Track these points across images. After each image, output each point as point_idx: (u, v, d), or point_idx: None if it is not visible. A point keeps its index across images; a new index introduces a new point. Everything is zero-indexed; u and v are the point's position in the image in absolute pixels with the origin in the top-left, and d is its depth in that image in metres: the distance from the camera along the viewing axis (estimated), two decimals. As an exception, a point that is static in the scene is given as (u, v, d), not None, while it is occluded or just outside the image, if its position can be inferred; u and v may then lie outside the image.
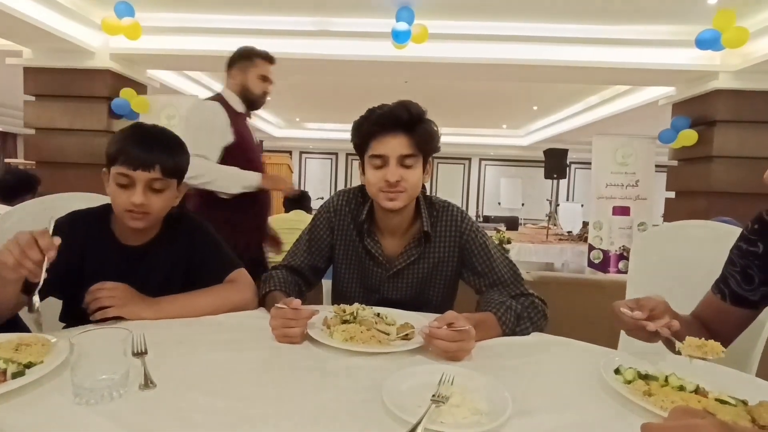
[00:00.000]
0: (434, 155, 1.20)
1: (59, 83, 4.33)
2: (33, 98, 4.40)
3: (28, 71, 4.31)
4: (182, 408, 0.64)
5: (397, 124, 1.10)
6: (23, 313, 1.01)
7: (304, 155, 11.84)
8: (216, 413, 0.63)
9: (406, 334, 0.92)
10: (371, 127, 1.12)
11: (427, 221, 1.21)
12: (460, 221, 1.23)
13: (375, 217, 1.24)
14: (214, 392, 0.69)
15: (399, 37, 3.64)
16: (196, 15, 4.15)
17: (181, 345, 0.88)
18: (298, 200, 3.12)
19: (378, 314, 1.01)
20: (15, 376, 0.65)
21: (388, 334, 0.92)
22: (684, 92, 4.39)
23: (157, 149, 1.05)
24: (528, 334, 1.05)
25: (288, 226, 2.58)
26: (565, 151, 6.76)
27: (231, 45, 4.26)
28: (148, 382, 0.69)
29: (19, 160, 8.26)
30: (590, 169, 4.85)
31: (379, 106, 1.14)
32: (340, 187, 11.84)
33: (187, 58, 4.43)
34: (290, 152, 11.03)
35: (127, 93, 4.32)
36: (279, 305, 0.93)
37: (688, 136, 4.09)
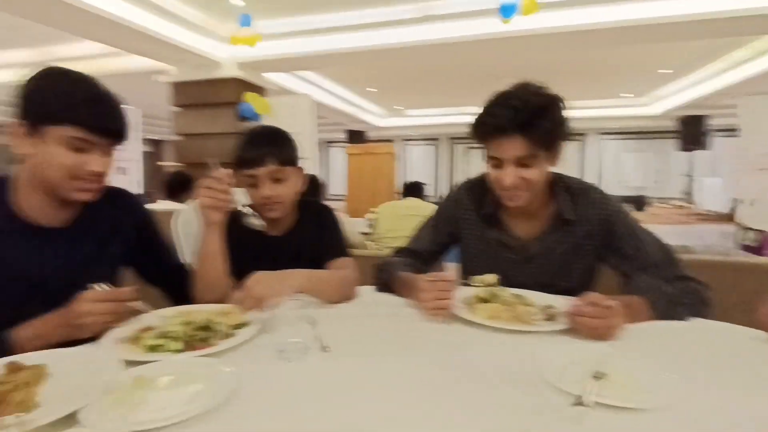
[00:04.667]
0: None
1: (198, 94, 4.96)
2: (180, 109, 5.11)
3: (176, 86, 5.01)
4: (354, 369, 0.74)
5: (509, 126, 1.01)
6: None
7: (406, 143, 11.98)
8: (383, 375, 0.72)
9: (551, 315, 0.91)
10: (482, 129, 1.08)
11: (565, 206, 1.15)
12: (600, 203, 1.16)
13: (503, 207, 1.20)
14: (375, 358, 0.78)
15: (506, 11, 3.48)
16: (303, 18, 4.44)
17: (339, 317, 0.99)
18: (412, 188, 3.18)
19: (516, 295, 1.00)
20: (227, 336, 0.82)
21: (532, 315, 0.91)
22: None
23: (266, 145, 1.17)
24: (684, 319, 0.96)
25: (403, 213, 2.66)
26: (703, 118, 5.87)
27: (336, 43, 4.51)
28: (324, 347, 0.80)
29: (170, 163, 9.73)
30: (736, 137, 4.15)
31: (494, 101, 1.06)
32: (443, 173, 11.77)
33: (298, 59, 4.78)
34: (392, 140, 11.23)
35: (250, 97, 4.80)
36: (429, 278, 0.97)
37: None
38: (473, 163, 11.32)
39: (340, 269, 1.18)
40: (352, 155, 7.42)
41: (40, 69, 0.90)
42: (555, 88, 1.07)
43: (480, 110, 1.09)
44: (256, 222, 1.14)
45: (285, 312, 0.83)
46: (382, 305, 1.10)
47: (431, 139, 11.78)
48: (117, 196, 1.09)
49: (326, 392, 0.66)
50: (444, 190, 11.52)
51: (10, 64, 5.71)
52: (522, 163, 1.05)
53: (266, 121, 4.80)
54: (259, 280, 0.93)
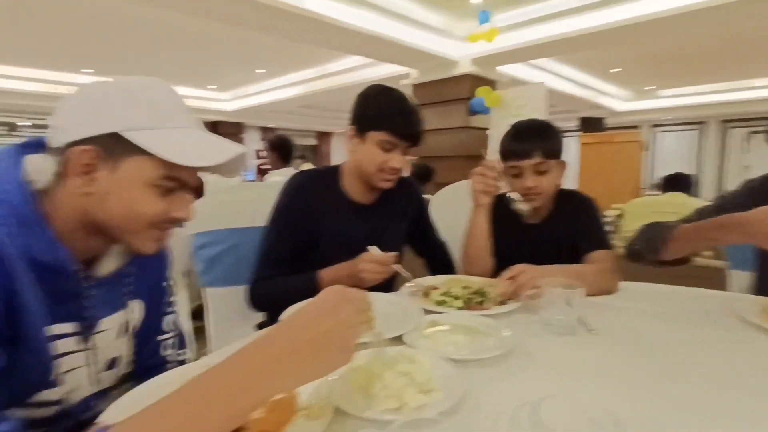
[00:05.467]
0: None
1: (433, 93, 5.40)
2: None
3: (416, 87, 5.59)
4: (619, 354, 0.75)
5: None
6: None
7: (655, 129, 10.18)
8: (648, 365, 0.70)
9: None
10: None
11: None
12: None
13: None
14: (643, 347, 0.77)
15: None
16: (540, 4, 4.28)
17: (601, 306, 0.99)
18: (674, 181, 2.70)
19: None
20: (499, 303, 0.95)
21: None
22: None
23: (533, 138, 1.20)
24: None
25: (659, 210, 2.29)
26: None
27: (577, 25, 4.19)
28: (590, 329, 0.82)
29: (411, 157, 10.96)
30: None
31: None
32: (709, 163, 9.55)
33: (532, 48, 4.66)
34: (637, 127, 9.70)
35: (482, 91, 4.94)
36: None
37: None
38: (755, 154, 8.80)
39: (599, 262, 1.16)
40: (586, 145, 6.72)
41: (369, 86, 1.19)
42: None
43: None
44: (523, 207, 1.23)
45: (547, 292, 0.87)
46: (645, 302, 1.04)
47: (693, 123, 9.65)
48: (405, 184, 1.32)
49: (590, 369, 0.69)
50: (711, 187, 9.31)
51: (299, 82, 7.47)
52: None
53: (496, 113, 4.87)
54: (524, 270, 0.99)
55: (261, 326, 1.23)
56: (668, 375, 0.67)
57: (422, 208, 1.41)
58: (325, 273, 1.11)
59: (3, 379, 0.45)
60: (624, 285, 1.14)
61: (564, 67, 6.71)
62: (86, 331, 0.64)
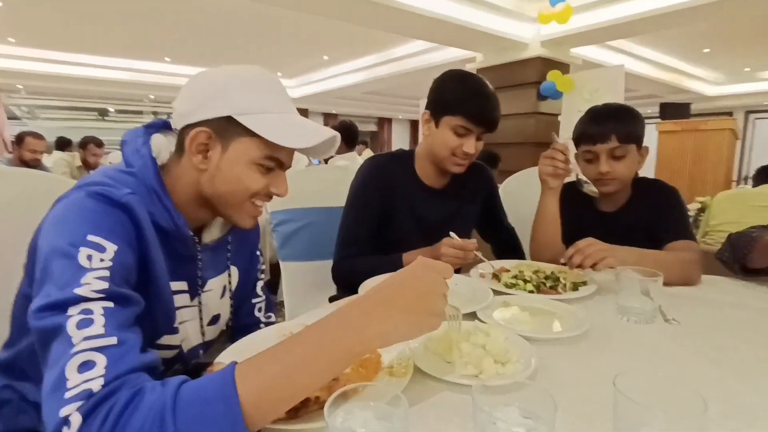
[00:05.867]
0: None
1: (500, 77, 5.23)
2: (483, 93, 5.54)
3: (481, 71, 5.45)
4: (698, 347, 0.72)
5: None
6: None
7: (752, 116, 9.15)
8: (727, 359, 0.67)
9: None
10: None
11: None
12: None
13: None
14: (721, 341, 0.73)
15: None
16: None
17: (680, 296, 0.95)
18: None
19: None
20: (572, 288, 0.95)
21: None
22: None
23: (609, 122, 1.15)
24: None
25: (752, 203, 2.09)
26: None
27: (660, 1, 3.86)
28: (669, 319, 0.81)
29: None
30: None
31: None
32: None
33: (610, 28, 4.36)
34: (731, 113, 8.77)
35: (553, 75, 4.71)
36: None
37: None
38: None
39: (680, 251, 1.11)
40: (664, 133, 6.15)
41: (446, 71, 1.20)
42: None
43: None
44: (593, 189, 1.21)
45: (624, 279, 0.85)
46: (730, 295, 0.99)
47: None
48: (477, 169, 1.32)
49: (669, 355, 0.69)
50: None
51: (362, 68, 7.55)
52: None
53: (567, 98, 4.64)
54: (591, 242, 0.98)
55: (332, 299, 1.31)
56: (752, 365, 0.65)
57: (493, 192, 1.41)
58: (409, 255, 1.14)
59: (141, 320, 0.54)
60: (707, 278, 1.09)
61: (645, 48, 6.21)
62: (196, 289, 0.73)
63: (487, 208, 1.39)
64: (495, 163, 3.41)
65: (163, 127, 0.72)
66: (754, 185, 2.61)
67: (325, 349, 0.46)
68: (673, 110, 7.55)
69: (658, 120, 7.52)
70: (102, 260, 0.51)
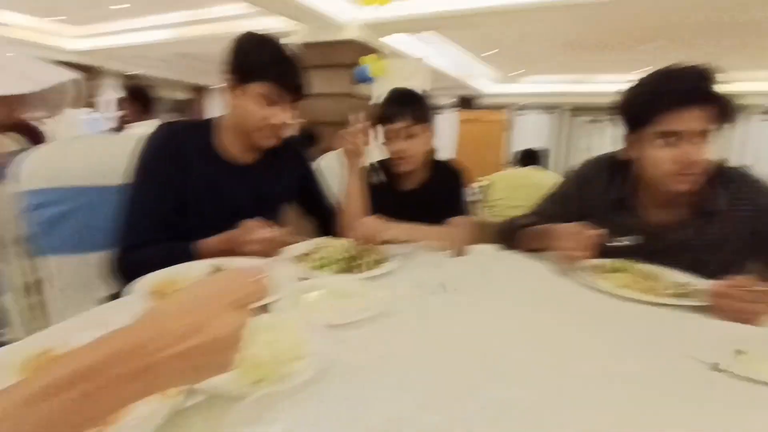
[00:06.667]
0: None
1: (320, 55, 5.20)
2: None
3: (304, 47, 5.32)
4: (486, 312, 0.83)
5: (694, 97, 0.95)
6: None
7: (519, 112, 11.33)
8: (513, 322, 0.79)
9: (685, 292, 0.88)
10: (659, 100, 0.99)
11: (717, 194, 1.03)
12: (755, 194, 1.03)
13: (639, 191, 1.12)
14: (504, 305, 0.86)
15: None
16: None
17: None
18: (529, 156, 3.08)
19: (649, 270, 0.98)
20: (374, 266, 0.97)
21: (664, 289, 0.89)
22: None
23: (401, 104, 1.31)
24: None
25: (519, 183, 2.61)
26: None
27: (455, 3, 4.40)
28: (446, 288, 0.90)
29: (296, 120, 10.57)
30: None
31: (666, 72, 1.00)
32: (560, 145, 11.00)
33: (424, 20, 4.80)
34: (503, 108, 10.68)
35: (368, 59, 4.93)
36: (573, 227, 1.03)
37: None
38: (595, 138, 10.42)
39: (455, 225, 1.27)
40: (463, 121, 7.35)
41: (244, 33, 1.08)
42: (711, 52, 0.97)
43: (635, 81, 1.06)
44: (375, 177, 1.36)
45: (417, 255, 0.93)
46: (504, 259, 1.21)
47: (549, 108, 10.98)
48: (289, 146, 1.25)
49: (457, 325, 0.76)
50: (560, 164, 10.77)
51: (170, 25, 6.58)
52: (700, 138, 0.97)
53: (379, 83, 4.92)
54: (365, 222, 1.10)
55: (113, 298, 1.10)
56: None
57: (307, 167, 1.37)
58: (204, 244, 1.00)
59: None
60: (478, 247, 1.27)
61: (449, 44, 7.01)
62: None
63: (304, 187, 1.35)
64: (315, 141, 3.41)
65: None
66: (521, 166, 3.23)
67: None
68: (466, 102, 9.02)
69: (459, 109, 8.79)
70: None
